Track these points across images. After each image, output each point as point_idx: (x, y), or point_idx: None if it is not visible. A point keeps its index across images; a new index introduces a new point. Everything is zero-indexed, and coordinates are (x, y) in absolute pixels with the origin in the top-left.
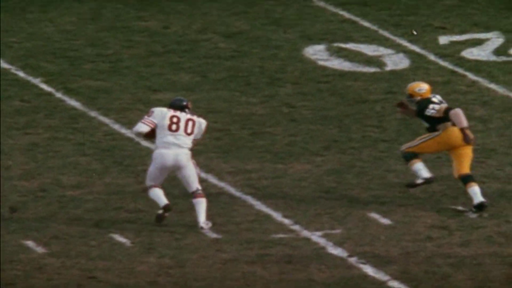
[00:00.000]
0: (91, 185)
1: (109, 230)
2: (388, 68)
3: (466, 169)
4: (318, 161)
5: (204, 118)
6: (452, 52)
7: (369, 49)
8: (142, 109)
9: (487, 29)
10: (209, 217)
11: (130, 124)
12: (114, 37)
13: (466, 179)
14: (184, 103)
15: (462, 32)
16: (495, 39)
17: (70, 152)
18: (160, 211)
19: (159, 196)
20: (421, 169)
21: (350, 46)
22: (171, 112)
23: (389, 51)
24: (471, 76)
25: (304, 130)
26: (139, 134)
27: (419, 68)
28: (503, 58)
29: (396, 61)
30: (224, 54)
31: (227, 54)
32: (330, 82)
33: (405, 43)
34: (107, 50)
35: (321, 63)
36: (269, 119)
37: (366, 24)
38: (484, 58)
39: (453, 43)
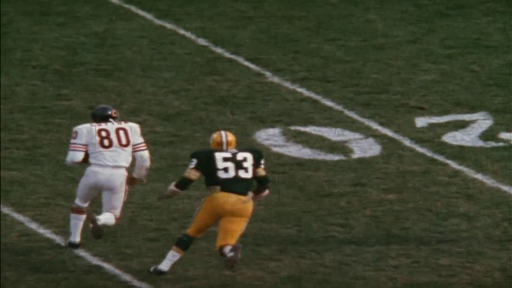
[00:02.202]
0: None
1: None
2: (355, 156)
3: (229, 240)
4: (273, 266)
5: (137, 216)
6: (431, 137)
7: (332, 133)
8: (64, 204)
9: (473, 109)
10: None
11: (49, 223)
12: (30, 120)
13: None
14: (109, 112)
15: (443, 112)
16: (482, 121)
17: None
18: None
19: (75, 228)
20: (169, 259)
21: (310, 129)
22: (96, 126)
23: (357, 135)
24: (453, 164)
25: (256, 229)
26: (75, 163)
27: (392, 155)
28: (492, 144)
29: (364, 148)
30: (161, 139)
31: (164, 139)
32: (287, 173)
33: (375, 126)
34: (22, 134)
35: (275, 149)
36: None
37: (329, 103)
38: (469, 144)
39: (432, 125)
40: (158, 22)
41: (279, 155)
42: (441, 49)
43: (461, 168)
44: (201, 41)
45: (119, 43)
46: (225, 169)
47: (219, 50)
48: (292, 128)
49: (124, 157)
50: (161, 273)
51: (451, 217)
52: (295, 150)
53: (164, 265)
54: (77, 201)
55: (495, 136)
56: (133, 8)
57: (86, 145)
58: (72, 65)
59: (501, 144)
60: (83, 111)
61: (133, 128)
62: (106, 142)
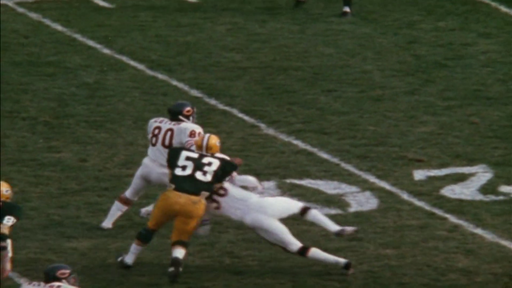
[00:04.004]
0: None
1: None
2: (352, 210)
3: (182, 237)
4: None
5: (129, 271)
6: (429, 190)
7: (328, 187)
8: (53, 259)
9: (472, 162)
10: None
11: (39, 278)
12: (19, 172)
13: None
14: (179, 109)
15: (441, 165)
16: (482, 174)
17: None
18: None
19: (112, 216)
20: (132, 253)
21: (306, 182)
22: (156, 123)
23: (353, 188)
24: (452, 219)
25: (250, 285)
26: None
27: (390, 209)
28: (492, 197)
29: (361, 201)
30: (153, 192)
31: (157, 192)
32: None
33: (372, 179)
34: None
35: None
36: (207, 272)
37: (325, 156)
38: (469, 197)
39: (430, 178)
40: (150, 72)
41: None
42: (440, 101)
43: (460, 222)
44: (194, 92)
45: (110, 94)
46: (183, 167)
47: (212, 101)
48: (288, 181)
49: (163, 157)
50: (126, 266)
51: (450, 273)
52: None
53: (129, 258)
54: (127, 192)
55: (495, 189)
56: (124, 59)
57: None
58: (62, 116)
59: (501, 197)
60: (74, 164)
61: (182, 130)
62: (153, 140)
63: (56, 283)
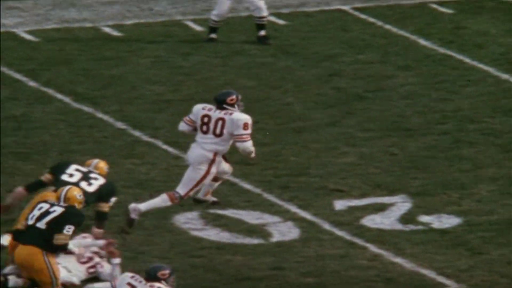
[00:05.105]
0: None
1: None
2: (274, 239)
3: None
4: None
5: None
6: (350, 220)
7: (251, 217)
8: None
9: (392, 192)
10: None
11: None
12: None
13: None
14: (223, 98)
15: (362, 195)
16: (401, 204)
17: None
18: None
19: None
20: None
21: (229, 213)
22: (204, 111)
23: (275, 218)
24: (373, 248)
25: None
26: (180, 131)
27: (311, 239)
28: (411, 227)
29: (283, 231)
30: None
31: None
32: (205, 257)
33: (294, 209)
34: None
35: (194, 233)
36: None
37: (247, 186)
38: (388, 227)
39: (351, 208)
40: (76, 105)
41: (198, 239)
42: (360, 132)
43: (380, 252)
44: (119, 124)
45: (37, 126)
46: (71, 175)
47: (137, 133)
48: (211, 211)
49: (215, 144)
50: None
51: None
52: (213, 234)
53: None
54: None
55: (414, 219)
56: (50, 92)
57: (194, 121)
58: None
59: (420, 227)
60: (1, 195)
61: (235, 121)
62: (204, 128)
63: (157, 284)
